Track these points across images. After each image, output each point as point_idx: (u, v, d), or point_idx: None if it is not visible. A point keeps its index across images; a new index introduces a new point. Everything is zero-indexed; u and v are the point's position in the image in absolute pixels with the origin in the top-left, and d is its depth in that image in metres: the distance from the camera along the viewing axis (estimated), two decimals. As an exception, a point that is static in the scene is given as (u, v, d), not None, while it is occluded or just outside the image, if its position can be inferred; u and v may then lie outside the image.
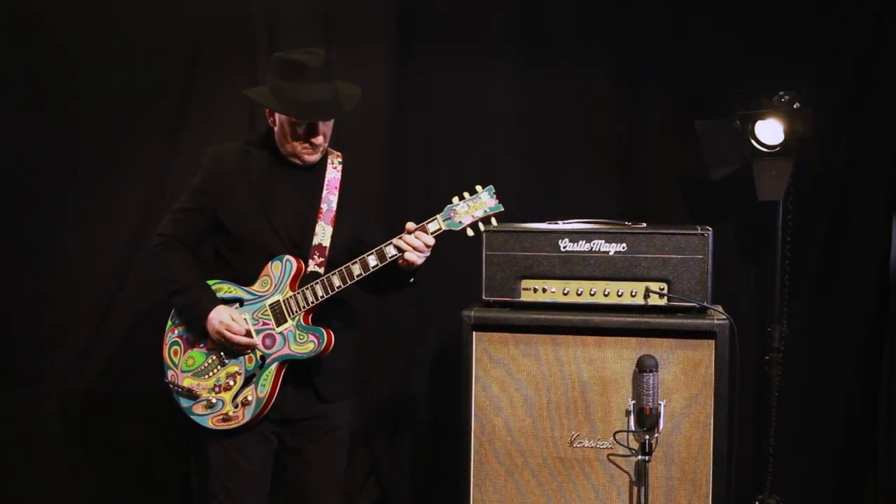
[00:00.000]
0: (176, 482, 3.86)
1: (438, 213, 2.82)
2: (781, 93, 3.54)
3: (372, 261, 2.81)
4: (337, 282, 2.83)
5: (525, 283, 3.17)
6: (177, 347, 2.95)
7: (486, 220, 2.81)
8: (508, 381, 3.12)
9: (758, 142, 3.54)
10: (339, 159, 3.00)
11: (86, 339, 3.85)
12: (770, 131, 3.51)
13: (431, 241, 2.80)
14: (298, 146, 2.87)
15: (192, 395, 2.90)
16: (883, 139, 3.72)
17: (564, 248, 3.15)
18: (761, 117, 3.51)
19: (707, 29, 3.81)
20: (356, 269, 2.82)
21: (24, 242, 3.76)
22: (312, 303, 2.84)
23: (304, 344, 2.85)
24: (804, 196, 3.75)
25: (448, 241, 3.77)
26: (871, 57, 3.70)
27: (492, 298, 3.18)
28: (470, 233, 2.82)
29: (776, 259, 3.66)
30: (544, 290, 3.16)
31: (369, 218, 3.07)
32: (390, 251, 2.80)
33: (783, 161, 3.54)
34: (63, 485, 3.80)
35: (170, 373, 2.94)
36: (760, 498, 3.67)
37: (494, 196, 2.82)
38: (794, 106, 3.49)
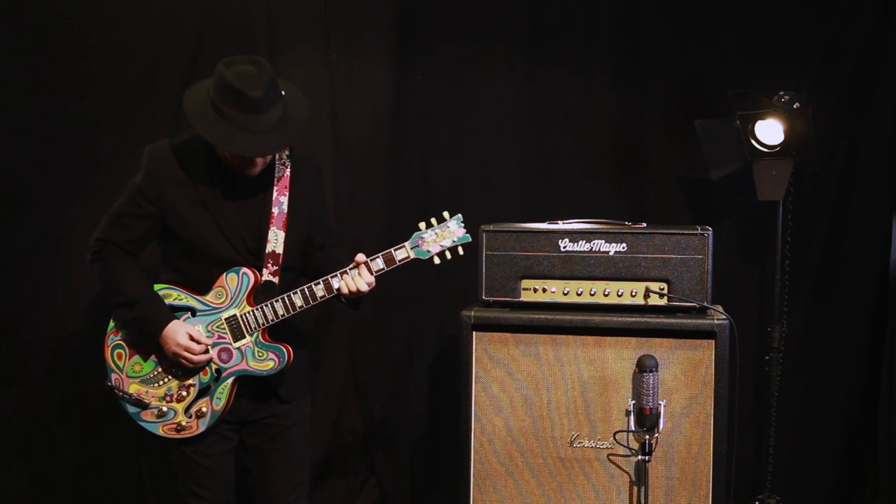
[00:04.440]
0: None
1: (406, 240, 2.78)
2: (781, 93, 3.54)
3: (335, 283, 2.76)
4: (299, 302, 2.77)
5: (525, 283, 3.17)
6: (120, 351, 2.83)
7: (453, 249, 2.80)
8: (508, 381, 3.11)
9: (758, 142, 3.54)
10: (287, 153, 2.86)
11: (86, 339, 3.84)
12: (770, 131, 3.51)
13: (371, 280, 2.77)
14: (238, 164, 2.74)
15: (140, 402, 2.80)
16: (883, 139, 3.72)
17: (564, 248, 3.14)
18: (761, 117, 3.51)
19: (707, 29, 3.81)
20: (319, 292, 2.77)
21: (24, 242, 3.75)
22: (272, 321, 2.78)
23: (264, 362, 2.78)
24: (804, 196, 3.75)
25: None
26: (871, 57, 3.70)
27: (492, 298, 3.18)
28: (437, 261, 2.80)
29: (776, 259, 3.66)
30: (544, 290, 3.16)
31: (322, 212, 3.01)
32: (335, 284, 2.77)
33: (783, 161, 3.54)
34: (63, 485, 3.80)
35: (113, 376, 2.83)
36: (760, 498, 3.67)
37: (462, 225, 2.79)
38: (794, 106, 3.49)
